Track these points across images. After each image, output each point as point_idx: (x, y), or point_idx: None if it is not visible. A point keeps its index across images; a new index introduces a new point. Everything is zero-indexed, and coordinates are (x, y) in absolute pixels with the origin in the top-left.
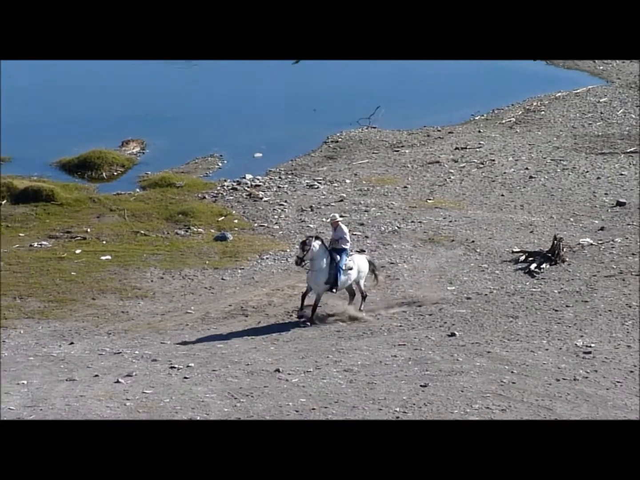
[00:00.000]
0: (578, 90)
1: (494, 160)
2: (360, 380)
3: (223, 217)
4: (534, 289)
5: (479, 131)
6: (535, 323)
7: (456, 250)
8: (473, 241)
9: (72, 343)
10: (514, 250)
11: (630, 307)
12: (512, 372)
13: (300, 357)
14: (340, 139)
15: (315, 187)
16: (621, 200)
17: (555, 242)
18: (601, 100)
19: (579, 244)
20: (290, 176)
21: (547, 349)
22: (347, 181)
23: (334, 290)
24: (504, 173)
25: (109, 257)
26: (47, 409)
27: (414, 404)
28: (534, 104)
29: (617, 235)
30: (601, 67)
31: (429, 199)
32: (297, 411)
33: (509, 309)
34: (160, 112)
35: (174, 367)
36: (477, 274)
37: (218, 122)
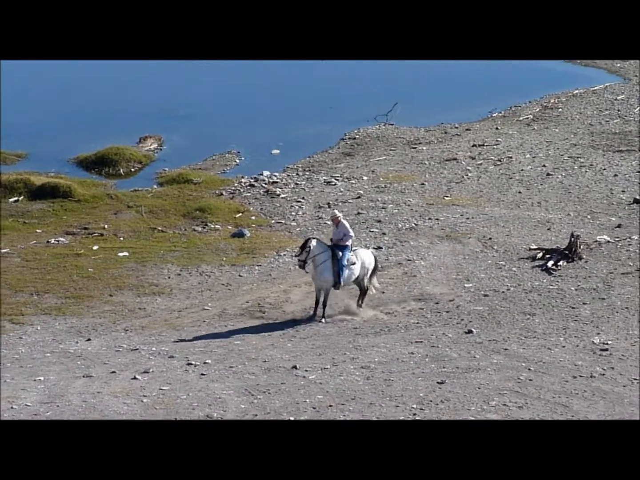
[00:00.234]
0: (595, 88)
1: (511, 157)
2: (377, 377)
3: (240, 214)
4: (551, 286)
5: (497, 128)
6: (552, 320)
7: (473, 247)
8: (490, 238)
9: (89, 339)
10: (531, 247)
11: None
12: (529, 369)
13: (318, 354)
14: (357, 136)
15: (333, 183)
16: (638, 197)
17: (573, 239)
18: (618, 98)
19: (596, 241)
20: (307, 173)
21: (564, 346)
22: (365, 178)
23: (338, 287)
24: (521, 170)
25: (126, 253)
26: (64, 405)
27: (431, 401)
28: (552, 101)
29: (634, 233)
30: (618, 65)
31: (446, 196)
32: (314, 408)
33: (526, 306)
34: (178, 109)
35: (191, 364)
36: (494, 271)
37: (236, 118)
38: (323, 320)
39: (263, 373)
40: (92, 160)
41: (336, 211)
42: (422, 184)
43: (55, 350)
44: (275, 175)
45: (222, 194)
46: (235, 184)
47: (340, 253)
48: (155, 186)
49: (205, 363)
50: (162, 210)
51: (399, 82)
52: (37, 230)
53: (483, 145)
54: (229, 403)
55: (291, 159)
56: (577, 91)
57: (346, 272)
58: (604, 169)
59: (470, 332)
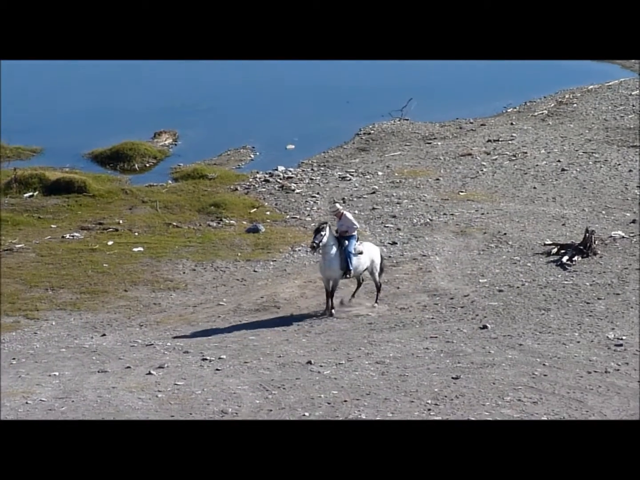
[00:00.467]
0: (610, 83)
1: (526, 152)
2: (392, 373)
3: (255, 209)
4: (565, 282)
5: (512, 123)
6: (567, 316)
7: (488, 242)
8: (505, 234)
9: (104, 335)
10: (546, 242)
11: None
12: (544, 364)
13: (332, 349)
14: (372, 131)
15: (348, 179)
16: None
17: (587, 234)
18: (633, 93)
19: (611, 236)
20: (322, 168)
21: (578, 342)
22: (380, 173)
23: (348, 275)
24: (536, 165)
25: (141, 248)
26: (79, 400)
27: (446, 396)
28: (566, 96)
29: None
30: (633, 60)
31: (461, 192)
32: (328, 403)
33: (541, 301)
34: (193, 104)
35: (206, 359)
36: (509, 267)
37: (251, 113)
38: (333, 311)
39: (278, 368)
40: (107, 156)
41: (337, 205)
42: (437, 179)
43: (70, 346)
44: (290, 171)
45: (237, 189)
46: (250, 179)
47: (347, 242)
48: (170, 181)
49: (220, 358)
50: (177, 206)
51: (414, 77)
52: (52, 226)
53: (498, 140)
54: (244, 398)
55: (306, 154)
56: (591, 86)
57: (355, 260)
58: (619, 165)
59: (485, 327)
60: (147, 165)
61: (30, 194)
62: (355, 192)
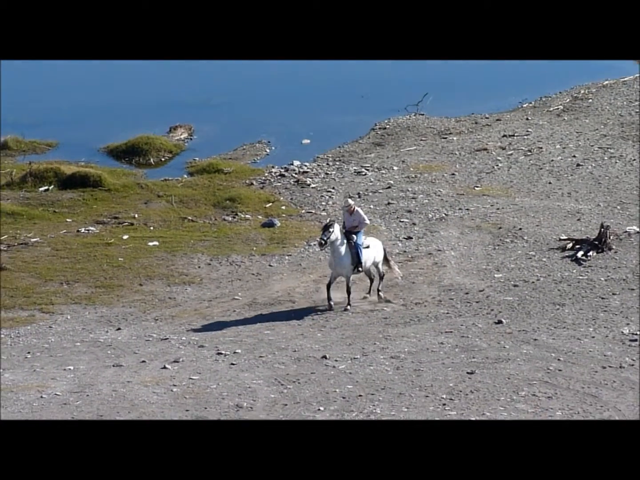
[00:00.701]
0: (625, 79)
1: (541, 147)
2: (407, 367)
3: (270, 204)
4: (580, 277)
5: (527, 119)
6: (582, 311)
7: (503, 237)
8: (520, 229)
9: (119, 329)
10: (561, 237)
11: None
12: (559, 359)
13: (347, 344)
14: (388, 126)
15: (363, 174)
16: None
17: (602, 229)
18: None
19: (626, 231)
20: (338, 163)
21: (593, 337)
22: (395, 168)
23: (360, 269)
24: (552, 161)
25: (156, 243)
26: (94, 394)
27: (461, 391)
28: (582, 91)
29: None
30: None
31: (477, 187)
32: (343, 398)
33: (556, 296)
34: (209, 98)
35: (221, 353)
36: (524, 262)
37: (266, 108)
38: (349, 307)
39: (293, 363)
40: (122, 150)
41: (349, 200)
42: (453, 174)
43: (85, 340)
44: (306, 165)
45: (252, 184)
46: (266, 174)
47: (355, 237)
48: (185, 176)
49: (235, 352)
50: (192, 200)
51: (430, 72)
52: (67, 220)
53: (513, 135)
54: (259, 393)
55: (321, 148)
56: (607, 82)
57: (364, 255)
58: (634, 160)
59: (500, 322)
60: (163, 159)
61: (46, 188)
62: (370, 187)
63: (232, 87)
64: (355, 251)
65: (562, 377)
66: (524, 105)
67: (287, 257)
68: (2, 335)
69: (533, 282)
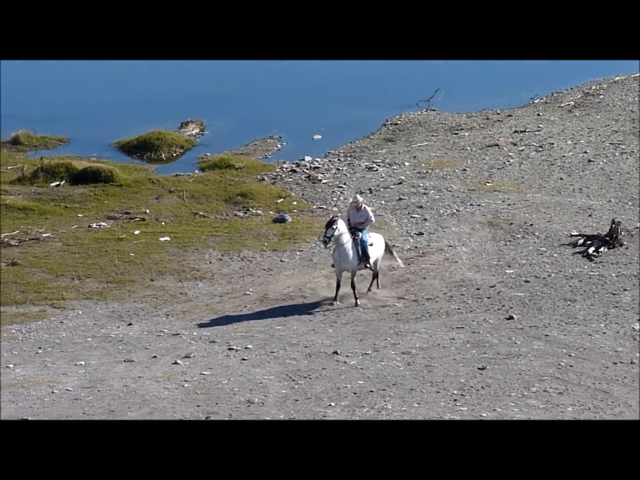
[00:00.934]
0: (637, 75)
1: (552, 143)
2: (418, 363)
3: (282, 199)
4: (591, 273)
5: (538, 114)
6: (593, 306)
7: (515, 233)
8: (531, 224)
9: (130, 324)
10: (572, 233)
11: None
12: (570, 355)
13: (359, 340)
14: (399, 122)
15: (374, 169)
16: None
17: (614, 225)
18: None
19: (637, 227)
20: (349, 158)
21: (604, 333)
22: (406, 164)
23: (367, 265)
24: (563, 156)
25: (167, 238)
26: (105, 390)
27: (472, 387)
28: (593, 87)
29: None
30: None
31: (488, 182)
32: (354, 393)
33: (567, 292)
34: (220, 93)
35: (232, 349)
36: (535, 257)
37: (277, 103)
38: (337, 302)
39: (304, 358)
40: (133, 145)
41: (358, 196)
42: (464, 170)
43: (96, 335)
44: (317, 161)
45: (263, 179)
46: (277, 169)
47: (360, 233)
48: (196, 171)
49: (246, 348)
50: (203, 195)
51: (441, 68)
52: (79, 215)
53: (525, 131)
54: (270, 388)
55: (333, 144)
56: (618, 78)
57: (370, 251)
58: None
59: (511, 318)
60: (174, 154)
61: (57, 183)
62: (382, 183)
63: (244, 82)
64: (361, 247)
65: (574, 373)
66: (536, 101)
67: (298, 253)
68: (13, 331)
69: (544, 277)
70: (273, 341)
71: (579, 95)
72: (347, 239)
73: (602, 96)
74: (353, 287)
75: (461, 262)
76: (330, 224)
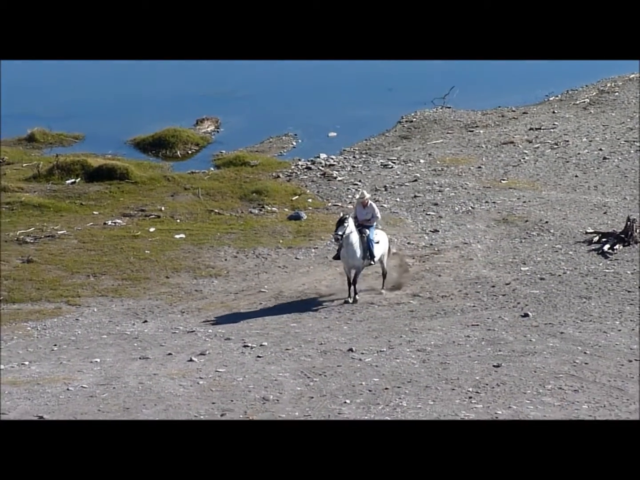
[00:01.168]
0: None
1: (568, 141)
2: (433, 360)
3: (297, 196)
4: (607, 270)
5: (553, 112)
6: (608, 304)
7: (530, 230)
8: (547, 222)
9: (145, 321)
10: (588, 231)
11: None
12: (585, 352)
13: (374, 337)
14: (414, 119)
15: (390, 166)
16: None
17: (629, 223)
18: None
19: None
20: (364, 156)
21: (619, 330)
22: (421, 161)
23: (373, 262)
24: (578, 154)
25: (182, 235)
26: (120, 387)
27: (487, 384)
28: (608, 85)
29: None
30: None
31: (503, 180)
32: (370, 390)
33: (582, 289)
34: (235, 91)
35: (247, 346)
36: (550, 255)
37: (293, 101)
38: (351, 299)
39: (319, 355)
40: (149, 142)
41: (365, 192)
42: (479, 167)
43: (111, 332)
44: (332, 158)
45: (278, 177)
46: (292, 167)
47: (368, 230)
48: (212, 168)
49: (261, 345)
50: (218, 193)
51: (456, 65)
52: (94, 212)
53: (540, 128)
54: (285, 385)
55: (348, 141)
56: (633, 75)
57: (376, 249)
58: None
59: (526, 315)
60: (189, 152)
61: (73, 180)
62: (397, 180)
63: (259, 79)
64: (367, 245)
65: (589, 370)
66: (551, 99)
67: (313, 250)
68: (28, 328)
69: (559, 275)
70: (288, 338)
71: (594, 93)
72: (355, 237)
73: (617, 93)
74: (354, 283)
75: (476, 259)
76: (341, 222)
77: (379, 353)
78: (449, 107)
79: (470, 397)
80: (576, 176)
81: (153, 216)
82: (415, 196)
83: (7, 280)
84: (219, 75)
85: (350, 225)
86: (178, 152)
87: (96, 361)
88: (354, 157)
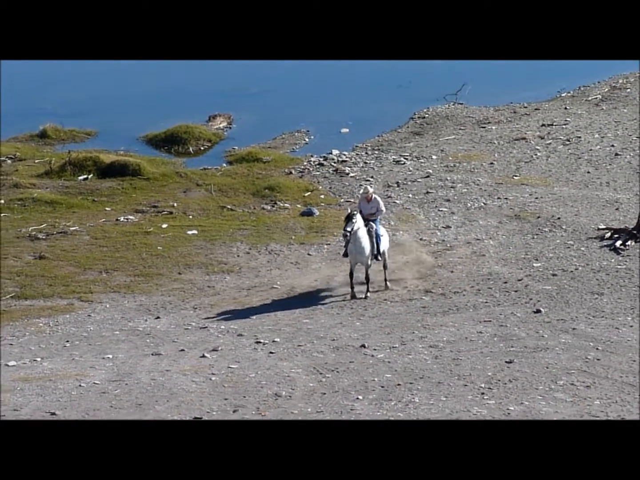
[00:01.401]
0: None
1: (580, 137)
2: (445, 356)
3: (309, 193)
4: (619, 266)
5: (565, 108)
6: (620, 300)
7: (542, 226)
8: (559, 218)
9: (158, 317)
10: (600, 227)
11: None
12: (597, 348)
13: (386, 333)
14: (427, 115)
15: (402, 163)
16: None
17: None
18: None
19: None
20: (376, 152)
21: (631, 326)
22: (434, 157)
23: (379, 257)
24: (590, 150)
25: (195, 231)
26: (133, 383)
27: (499, 380)
28: (620, 81)
29: None
30: None
31: (515, 176)
32: (382, 387)
33: (594, 285)
34: (248, 87)
35: (260, 342)
36: (562, 251)
37: (305, 97)
38: (368, 294)
39: (331, 352)
40: (161, 139)
41: (369, 187)
42: (491, 163)
43: (124, 328)
44: (345, 154)
45: (291, 173)
46: (305, 163)
47: (374, 225)
48: (224, 165)
49: (273, 341)
50: (231, 189)
51: (468, 61)
52: (106, 209)
53: (552, 125)
54: (297, 381)
55: (360, 137)
56: None
57: (382, 243)
58: None
59: (538, 311)
60: (202, 148)
61: (85, 176)
62: (409, 176)
63: (271, 76)
64: (375, 240)
65: (601, 366)
66: (563, 95)
67: (325, 246)
68: (41, 324)
69: (571, 271)
70: (300, 334)
71: (606, 89)
72: (363, 232)
73: (629, 90)
74: (367, 279)
75: (488, 255)
76: (350, 218)
77: (392, 349)
78: (461, 104)
79: (482, 393)
80: (588, 172)
81: (165, 212)
82: (427, 192)
83: (19, 276)
84: (231, 72)
85: (359, 221)
86: (190, 149)
87: (108, 357)
88: (366, 153)
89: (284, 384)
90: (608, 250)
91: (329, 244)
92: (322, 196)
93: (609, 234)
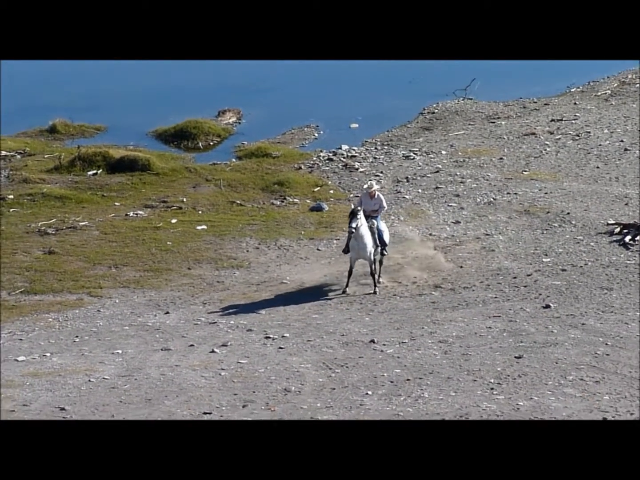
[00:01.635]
0: None
1: (589, 132)
2: (455, 352)
3: (319, 188)
4: (628, 261)
5: (575, 103)
6: (630, 295)
7: (551, 222)
8: (568, 213)
9: (167, 312)
10: (609, 222)
11: None
12: (606, 344)
13: (395, 328)
14: (436, 110)
15: (411, 158)
16: None
17: None
18: None
19: None
20: (386, 147)
21: None
22: (443, 152)
23: (386, 251)
24: (599, 145)
25: (204, 227)
26: (142, 378)
27: (509, 376)
28: (629, 76)
29: None
30: None
31: (525, 171)
32: (391, 382)
33: (604, 280)
34: (257, 82)
35: (269, 337)
36: (572, 246)
37: (314, 92)
38: (349, 289)
39: (341, 347)
40: (171, 134)
41: (374, 183)
42: (501, 158)
43: (133, 324)
44: (354, 149)
45: (300, 168)
46: (314, 158)
47: (375, 221)
48: (233, 160)
49: (283, 336)
50: (240, 184)
51: None
52: (116, 204)
53: (561, 120)
54: (307, 376)
55: (370, 133)
56: None
57: (385, 237)
58: None
59: (548, 306)
60: (211, 143)
61: (94, 171)
62: (418, 171)
63: (281, 71)
64: (379, 234)
65: (610, 361)
66: (572, 90)
67: (335, 241)
68: (50, 319)
69: (581, 266)
70: (310, 330)
71: (616, 84)
72: (365, 229)
73: (638, 85)
74: (372, 274)
75: (498, 250)
76: (354, 214)
77: (401, 344)
78: (471, 99)
79: (491, 389)
80: (597, 167)
81: (175, 207)
82: (437, 187)
83: (28, 271)
84: (240, 67)
85: (362, 218)
86: (200, 144)
87: (118, 352)
88: (375, 148)
89: (294, 379)
90: (617, 246)
91: (338, 239)
92: (332, 191)
93: (618, 229)
